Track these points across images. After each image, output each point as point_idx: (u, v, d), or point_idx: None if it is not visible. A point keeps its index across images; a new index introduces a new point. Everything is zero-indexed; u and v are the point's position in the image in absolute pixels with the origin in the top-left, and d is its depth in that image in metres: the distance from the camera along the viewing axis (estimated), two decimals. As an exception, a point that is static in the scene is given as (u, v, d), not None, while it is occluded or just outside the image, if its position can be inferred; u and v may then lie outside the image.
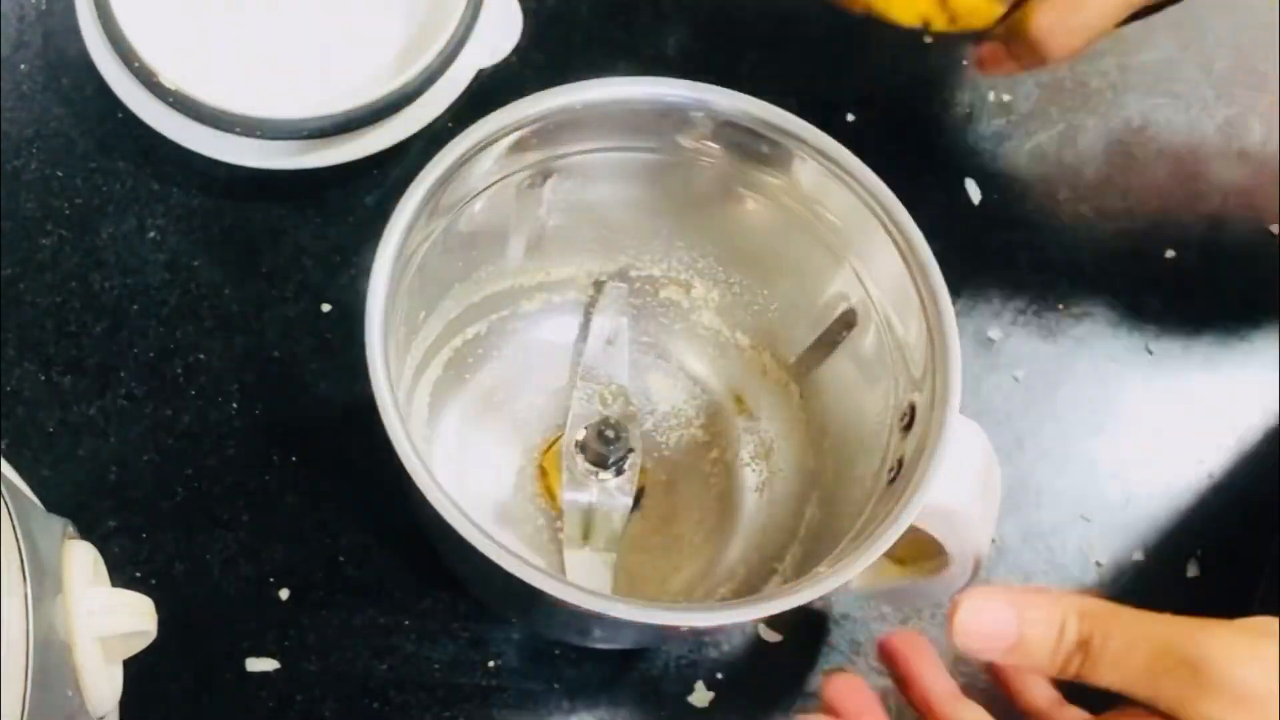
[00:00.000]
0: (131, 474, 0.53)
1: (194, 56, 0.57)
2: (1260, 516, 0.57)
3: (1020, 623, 0.36)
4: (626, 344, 0.54)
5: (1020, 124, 0.62)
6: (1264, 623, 0.35)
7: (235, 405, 0.54)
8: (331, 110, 0.54)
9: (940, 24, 0.54)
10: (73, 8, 0.57)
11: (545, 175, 0.48)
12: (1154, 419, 0.59)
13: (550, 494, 0.52)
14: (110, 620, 0.39)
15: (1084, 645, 0.35)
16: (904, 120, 0.61)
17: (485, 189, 0.47)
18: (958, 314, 0.45)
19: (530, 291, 0.53)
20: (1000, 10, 0.53)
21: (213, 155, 0.56)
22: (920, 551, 0.45)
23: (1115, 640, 0.35)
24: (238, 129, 0.54)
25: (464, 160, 0.44)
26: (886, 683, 0.53)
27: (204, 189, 0.57)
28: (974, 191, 0.61)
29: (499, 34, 0.58)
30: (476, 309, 0.52)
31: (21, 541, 0.36)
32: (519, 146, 0.46)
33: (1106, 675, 0.35)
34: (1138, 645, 0.35)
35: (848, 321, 0.49)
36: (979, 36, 0.55)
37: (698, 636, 0.53)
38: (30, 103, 0.58)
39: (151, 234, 0.57)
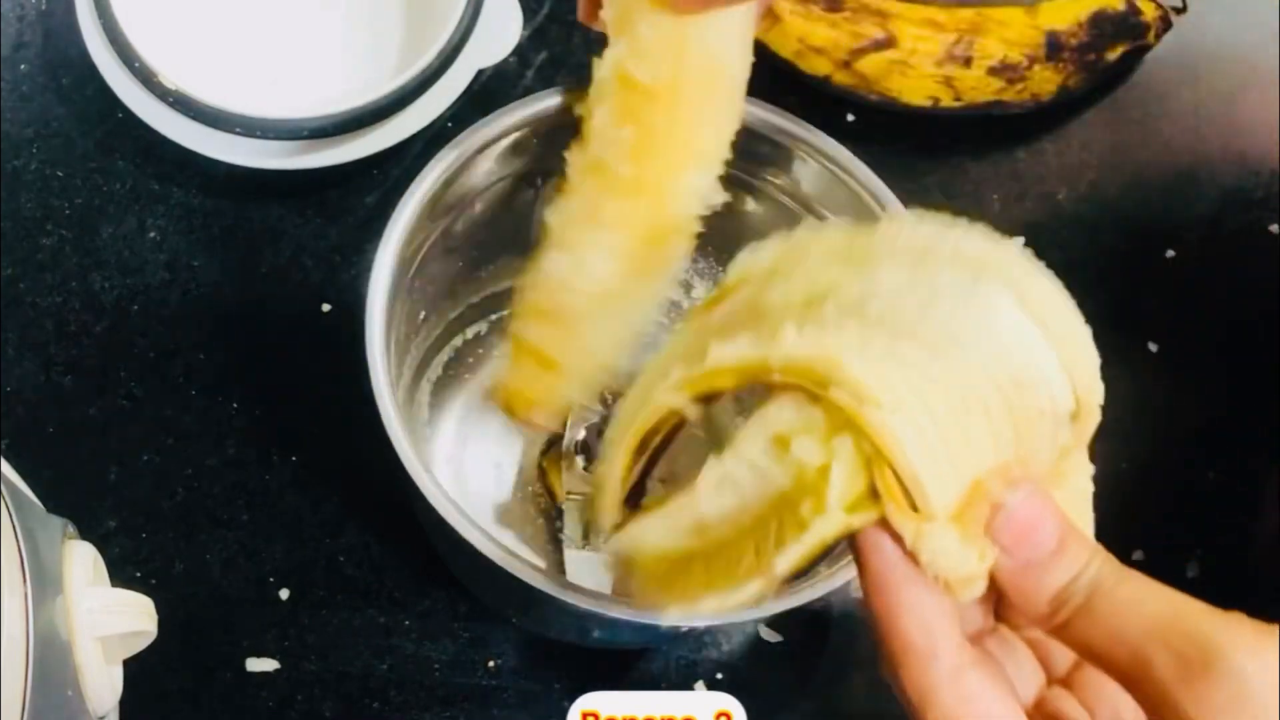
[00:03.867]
0: (131, 474, 0.53)
1: (194, 56, 0.57)
2: (1260, 516, 0.57)
3: (1061, 537, 0.32)
4: (626, 344, 0.54)
5: (1020, 124, 0.62)
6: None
7: (235, 405, 0.54)
8: (331, 110, 0.54)
9: (947, 100, 0.59)
10: (73, 8, 0.57)
11: (545, 175, 0.48)
12: (1154, 419, 0.59)
13: (550, 493, 0.52)
14: (110, 620, 0.39)
15: (1095, 588, 0.32)
16: (904, 120, 0.61)
17: (485, 189, 0.47)
18: (958, 314, 0.45)
19: (530, 291, 0.53)
20: (998, 85, 0.58)
21: (213, 155, 0.56)
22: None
23: (1124, 590, 0.31)
24: (238, 129, 0.54)
25: (464, 160, 0.44)
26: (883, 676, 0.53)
27: (204, 189, 0.57)
28: (974, 191, 0.61)
29: (499, 34, 0.58)
30: (477, 309, 0.52)
31: (21, 541, 0.36)
32: (519, 146, 0.46)
33: (1097, 631, 0.31)
34: (1146, 604, 0.31)
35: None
36: (986, 112, 0.60)
37: (698, 636, 0.53)
38: (30, 103, 0.58)
39: (151, 234, 0.57)
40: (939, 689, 0.31)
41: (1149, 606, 0.31)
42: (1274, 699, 0.30)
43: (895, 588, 0.31)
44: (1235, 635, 0.30)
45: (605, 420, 0.51)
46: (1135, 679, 0.31)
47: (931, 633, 0.31)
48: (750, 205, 0.50)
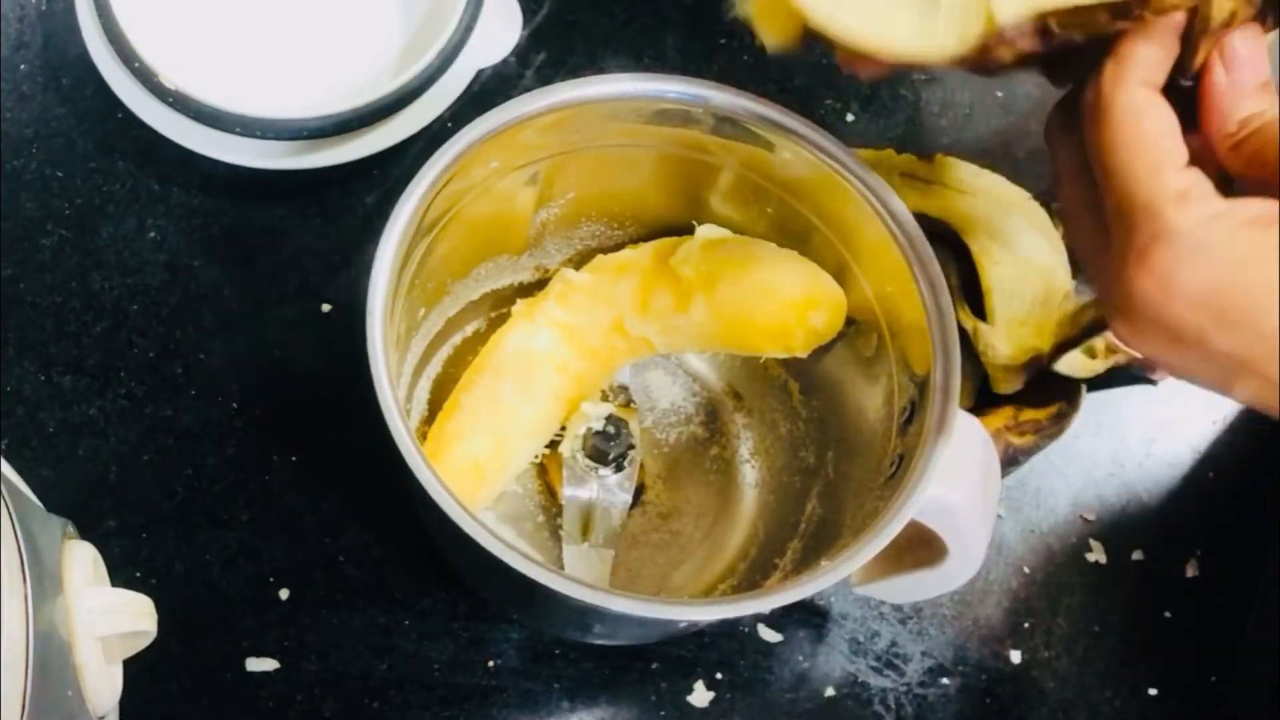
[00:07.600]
0: (131, 474, 0.53)
1: (194, 56, 0.57)
2: (1260, 516, 0.57)
3: (1265, 79, 0.37)
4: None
5: (1020, 124, 0.62)
6: None
7: (235, 405, 0.54)
8: (331, 110, 0.54)
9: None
10: (73, 8, 0.57)
11: (544, 173, 0.48)
12: (1154, 419, 0.59)
13: (550, 490, 0.52)
14: (110, 620, 0.39)
15: (1269, 122, 0.36)
16: (904, 120, 0.61)
17: (485, 187, 0.47)
18: (958, 312, 0.45)
19: (530, 289, 0.53)
20: None
21: (213, 155, 0.56)
22: (920, 545, 0.45)
23: None
24: (238, 129, 0.54)
25: (463, 158, 0.44)
26: (886, 682, 0.53)
27: (204, 189, 0.57)
28: (974, 191, 0.61)
29: (499, 34, 0.58)
30: (476, 306, 0.52)
31: (21, 541, 0.36)
32: (518, 144, 0.46)
33: (1267, 149, 0.36)
34: None
35: (847, 319, 0.49)
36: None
37: (698, 634, 0.53)
38: (30, 103, 0.58)
39: (151, 234, 0.57)
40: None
41: None
42: None
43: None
44: None
45: (605, 417, 0.51)
46: None
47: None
48: (749, 202, 0.50)
